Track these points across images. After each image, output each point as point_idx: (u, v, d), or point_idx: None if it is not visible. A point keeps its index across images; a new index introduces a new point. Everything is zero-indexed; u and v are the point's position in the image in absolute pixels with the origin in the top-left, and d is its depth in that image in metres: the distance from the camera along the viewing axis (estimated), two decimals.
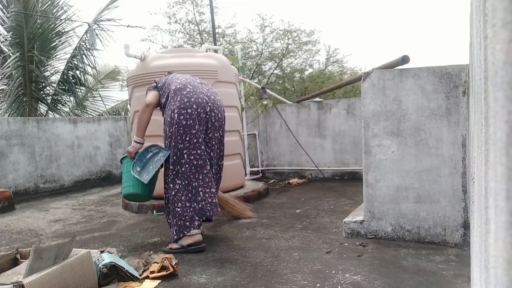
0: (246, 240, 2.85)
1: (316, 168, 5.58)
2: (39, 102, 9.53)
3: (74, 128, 6.19)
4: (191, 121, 2.69)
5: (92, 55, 9.55)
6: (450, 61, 10.53)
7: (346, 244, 2.64)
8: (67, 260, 1.87)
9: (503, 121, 0.48)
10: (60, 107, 10.04)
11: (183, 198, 2.70)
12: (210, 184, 2.75)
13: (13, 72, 8.57)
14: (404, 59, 2.52)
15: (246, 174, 5.45)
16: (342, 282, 2.03)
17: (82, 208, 4.58)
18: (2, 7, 8.90)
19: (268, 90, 6.31)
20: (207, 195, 2.72)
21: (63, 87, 9.73)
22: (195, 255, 2.57)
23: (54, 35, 9.33)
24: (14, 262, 2.15)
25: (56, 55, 9.72)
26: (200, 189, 2.72)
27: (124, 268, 2.11)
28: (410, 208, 2.57)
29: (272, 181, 5.71)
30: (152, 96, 2.93)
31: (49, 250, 1.79)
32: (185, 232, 2.68)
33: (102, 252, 2.21)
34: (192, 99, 2.73)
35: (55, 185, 5.88)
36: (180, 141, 2.69)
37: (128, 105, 5.57)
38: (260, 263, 2.37)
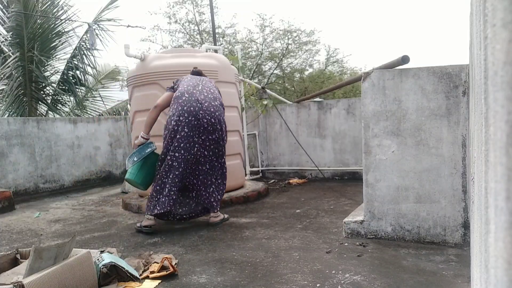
0: (246, 240, 2.85)
1: (316, 168, 5.58)
2: (39, 102, 9.53)
3: (74, 128, 6.19)
4: (179, 127, 3.10)
5: (92, 55, 9.55)
6: (450, 61, 10.54)
7: (346, 244, 2.64)
8: (67, 260, 1.87)
9: (503, 121, 0.48)
10: (60, 107, 10.04)
11: (154, 188, 3.21)
12: (178, 184, 3.17)
13: (13, 72, 8.56)
14: (404, 59, 2.52)
15: (246, 174, 5.45)
16: (342, 282, 2.03)
17: (82, 208, 4.58)
18: (2, 7, 8.90)
19: (268, 90, 6.31)
20: (171, 193, 3.15)
21: (63, 87, 9.73)
22: (195, 255, 2.57)
23: (54, 35, 9.32)
24: (14, 262, 2.15)
25: (56, 55, 9.72)
26: (167, 186, 3.15)
27: (124, 268, 2.11)
28: (410, 208, 2.57)
29: (272, 181, 5.71)
30: (162, 98, 3.36)
31: (49, 250, 1.79)
32: (147, 213, 3.22)
33: (102, 252, 2.22)
34: (185, 108, 3.11)
35: (55, 185, 5.88)
36: (170, 144, 3.15)
37: (128, 105, 5.58)
38: (260, 263, 2.37)
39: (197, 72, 3.56)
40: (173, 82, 3.46)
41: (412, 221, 2.58)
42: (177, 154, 3.11)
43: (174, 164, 3.12)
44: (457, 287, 1.91)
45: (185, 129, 3.09)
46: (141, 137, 3.34)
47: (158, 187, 3.18)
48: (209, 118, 3.14)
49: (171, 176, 3.13)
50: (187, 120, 3.08)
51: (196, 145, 3.14)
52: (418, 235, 2.58)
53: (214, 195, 3.30)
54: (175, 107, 3.15)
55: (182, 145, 3.10)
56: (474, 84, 1.23)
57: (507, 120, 0.47)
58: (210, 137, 3.17)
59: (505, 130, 0.47)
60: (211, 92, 3.28)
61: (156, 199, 3.17)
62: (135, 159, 3.26)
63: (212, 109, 3.17)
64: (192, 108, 3.10)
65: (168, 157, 3.13)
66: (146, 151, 3.26)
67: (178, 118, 3.09)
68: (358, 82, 3.63)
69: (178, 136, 3.10)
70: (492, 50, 0.53)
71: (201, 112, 3.11)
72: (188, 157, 3.14)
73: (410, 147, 2.54)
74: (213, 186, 3.30)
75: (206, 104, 3.15)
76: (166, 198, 3.13)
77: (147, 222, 3.22)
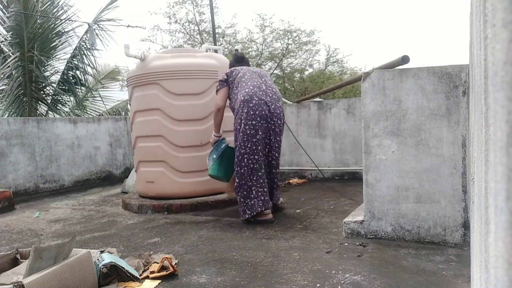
0: (246, 240, 2.85)
1: (316, 168, 5.58)
2: (39, 102, 9.53)
3: (74, 128, 6.19)
4: (253, 131, 3.25)
5: (92, 55, 9.56)
6: (450, 61, 10.53)
7: (346, 244, 2.64)
8: (67, 260, 1.88)
9: (503, 121, 0.48)
10: (60, 107, 10.05)
11: (239, 194, 3.32)
12: (263, 184, 3.31)
13: (13, 72, 8.57)
14: (404, 59, 2.52)
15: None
16: (342, 282, 2.03)
17: (82, 208, 4.58)
18: (2, 7, 8.90)
19: None
20: (259, 194, 3.28)
21: (63, 87, 9.74)
22: (195, 255, 2.57)
23: (54, 35, 9.33)
24: (14, 262, 2.15)
25: (56, 55, 9.73)
26: (253, 188, 3.28)
27: (124, 268, 2.11)
28: (410, 208, 2.57)
29: None
30: (221, 98, 3.52)
31: (49, 250, 1.79)
32: (241, 219, 3.37)
33: (102, 252, 2.22)
34: (257, 112, 3.26)
35: (55, 185, 5.88)
36: (243, 147, 3.27)
37: (128, 105, 5.58)
38: (260, 263, 2.37)
39: (241, 57, 3.80)
40: (226, 74, 3.55)
41: (412, 221, 2.58)
42: (256, 157, 3.28)
43: (255, 166, 3.29)
44: (457, 287, 1.91)
45: (259, 132, 3.28)
46: (214, 135, 3.66)
47: (245, 192, 3.30)
48: (276, 120, 3.38)
49: (255, 178, 3.29)
50: (259, 124, 3.27)
51: (267, 147, 3.41)
52: (418, 235, 2.58)
53: (264, 200, 3.33)
54: (245, 110, 3.27)
55: (260, 147, 3.30)
56: (474, 84, 1.23)
57: (507, 120, 0.47)
58: (277, 138, 3.45)
59: (505, 130, 0.47)
60: (273, 92, 3.46)
61: (245, 204, 3.30)
62: (214, 156, 3.59)
63: (278, 111, 3.39)
64: (263, 112, 3.28)
65: (249, 161, 3.27)
66: (222, 147, 3.61)
67: (251, 122, 3.25)
68: (358, 82, 3.63)
69: (254, 140, 3.26)
70: (492, 50, 0.53)
71: (269, 114, 3.33)
72: (276, 155, 3.47)
73: (410, 147, 2.54)
74: (264, 193, 3.35)
75: (273, 107, 3.36)
76: (255, 200, 3.27)
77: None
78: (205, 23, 13.61)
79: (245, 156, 3.26)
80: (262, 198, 3.28)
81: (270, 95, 3.39)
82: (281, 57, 13.70)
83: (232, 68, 3.62)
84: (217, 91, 3.58)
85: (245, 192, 3.29)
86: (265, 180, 3.35)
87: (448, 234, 2.49)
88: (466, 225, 2.44)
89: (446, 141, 2.45)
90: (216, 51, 5.35)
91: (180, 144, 4.12)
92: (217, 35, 11.43)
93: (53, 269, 1.77)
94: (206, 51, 4.84)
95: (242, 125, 3.26)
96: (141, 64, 4.26)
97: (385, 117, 2.60)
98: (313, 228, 3.10)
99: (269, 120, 3.32)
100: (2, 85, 9.13)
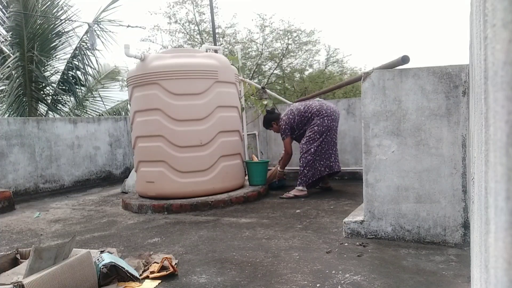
0: (246, 240, 2.85)
1: None
2: (39, 102, 9.53)
3: (74, 128, 6.19)
4: (332, 123, 4.46)
5: (93, 55, 9.56)
6: (450, 61, 10.52)
7: (346, 244, 2.64)
8: (67, 260, 1.87)
9: (503, 121, 0.48)
10: (60, 107, 10.05)
11: (307, 166, 4.41)
12: (326, 156, 4.48)
13: (13, 72, 8.57)
14: (404, 59, 2.52)
15: (246, 174, 5.44)
16: (342, 282, 2.03)
17: (82, 208, 4.58)
18: (1, 7, 8.90)
19: (268, 90, 6.30)
20: (321, 167, 4.46)
21: (63, 87, 9.74)
22: (195, 255, 2.57)
23: (54, 35, 9.33)
24: (14, 262, 2.15)
25: (56, 55, 9.73)
26: (316, 163, 4.44)
27: (124, 268, 2.11)
28: (410, 208, 2.57)
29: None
30: (289, 144, 4.74)
31: (49, 250, 1.79)
32: (300, 186, 4.43)
33: (102, 252, 2.22)
34: (327, 113, 4.44)
35: (55, 185, 5.88)
36: (319, 138, 4.39)
37: (128, 105, 5.58)
38: (260, 263, 2.37)
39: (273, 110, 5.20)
40: (287, 128, 4.68)
41: (412, 221, 2.58)
42: (326, 140, 4.44)
43: (323, 145, 4.43)
44: (457, 287, 1.91)
45: (332, 124, 4.44)
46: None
47: (311, 163, 4.39)
48: (334, 114, 4.50)
49: (318, 154, 4.41)
50: (330, 119, 4.41)
51: (335, 133, 4.55)
52: (418, 235, 2.57)
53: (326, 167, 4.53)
54: (323, 113, 4.44)
55: (328, 133, 4.41)
56: (474, 84, 1.23)
57: (507, 120, 0.47)
58: (336, 124, 4.54)
59: (505, 130, 0.47)
60: (331, 105, 4.70)
61: (311, 173, 4.39)
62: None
63: (337, 111, 4.59)
64: (329, 111, 4.45)
65: (320, 143, 4.40)
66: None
67: (329, 118, 4.40)
68: (358, 82, 3.63)
69: (329, 130, 4.43)
70: (492, 50, 0.53)
71: (333, 111, 4.51)
72: (329, 139, 4.46)
73: (410, 147, 2.54)
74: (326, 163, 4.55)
75: (335, 110, 4.56)
76: (317, 170, 4.44)
77: (299, 193, 4.37)
78: (205, 23, 13.61)
79: (319, 143, 4.53)
80: (320, 169, 4.52)
81: (331, 105, 4.67)
82: (281, 57, 13.69)
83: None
84: (283, 138, 4.75)
85: (311, 163, 4.46)
86: (326, 156, 4.64)
87: (448, 234, 2.49)
88: (466, 225, 2.44)
89: (446, 141, 2.45)
90: (216, 51, 5.35)
91: (180, 144, 4.12)
92: (217, 35, 11.43)
93: (53, 269, 1.77)
94: (206, 51, 4.84)
95: (321, 123, 4.48)
96: (141, 64, 4.26)
97: (385, 117, 2.60)
98: (313, 228, 3.10)
99: (333, 119, 4.60)
100: (2, 85, 9.14)
